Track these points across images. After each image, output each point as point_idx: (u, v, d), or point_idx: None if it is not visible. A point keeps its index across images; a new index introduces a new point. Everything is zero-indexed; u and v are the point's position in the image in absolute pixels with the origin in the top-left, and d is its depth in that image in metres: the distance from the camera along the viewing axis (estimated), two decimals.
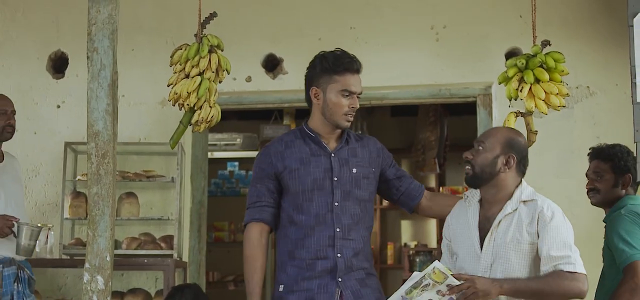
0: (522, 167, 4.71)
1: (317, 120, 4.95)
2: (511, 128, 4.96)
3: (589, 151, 5.55)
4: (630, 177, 5.36)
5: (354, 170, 4.93)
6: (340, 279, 4.80)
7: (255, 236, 4.91)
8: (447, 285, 4.42)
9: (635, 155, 5.38)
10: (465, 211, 4.80)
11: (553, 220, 4.52)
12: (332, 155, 4.92)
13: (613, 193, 5.38)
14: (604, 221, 5.39)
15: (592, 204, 5.50)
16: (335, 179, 4.87)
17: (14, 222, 5.87)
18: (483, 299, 4.39)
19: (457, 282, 4.40)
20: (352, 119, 4.94)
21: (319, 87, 4.92)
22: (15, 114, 6.10)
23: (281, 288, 4.88)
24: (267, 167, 4.94)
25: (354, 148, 5.00)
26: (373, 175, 5.03)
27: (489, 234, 4.60)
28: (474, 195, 4.79)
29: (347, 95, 4.86)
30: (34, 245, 5.93)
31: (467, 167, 4.71)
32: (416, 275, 4.49)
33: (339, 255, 4.81)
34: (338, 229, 4.83)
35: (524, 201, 4.63)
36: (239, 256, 9.48)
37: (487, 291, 4.39)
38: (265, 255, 4.95)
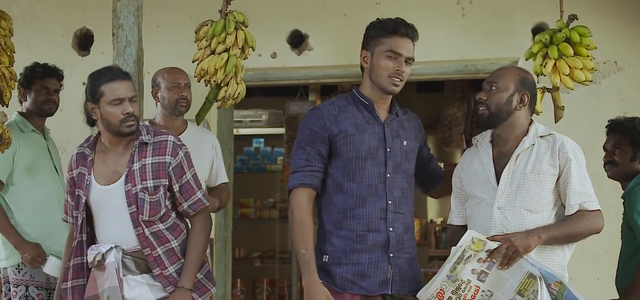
0: (533, 104, 4.80)
1: (367, 86, 4.84)
2: (519, 67, 4.96)
3: (607, 124, 5.52)
4: None
5: (405, 143, 4.85)
6: (391, 255, 4.73)
7: (305, 201, 4.71)
8: (486, 251, 4.44)
9: None
10: (476, 153, 4.87)
11: (576, 158, 4.66)
12: (385, 125, 4.82)
13: (631, 167, 5.37)
14: (622, 197, 5.37)
15: (609, 177, 5.49)
16: (388, 149, 4.77)
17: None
18: (525, 254, 4.44)
19: (495, 246, 4.42)
20: (399, 83, 4.77)
21: (368, 50, 4.83)
22: (189, 87, 5.89)
23: (326, 259, 4.74)
24: (320, 129, 4.74)
25: (402, 121, 4.93)
26: (416, 150, 4.99)
27: (507, 167, 4.68)
28: (485, 136, 4.87)
29: (392, 57, 4.74)
30: None
31: (481, 108, 4.73)
32: (455, 251, 4.49)
33: (391, 229, 4.73)
34: (390, 202, 4.74)
35: (542, 136, 4.72)
36: (265, 232, 9.43)
37: (526, 245, 4.47)
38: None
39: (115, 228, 4.78)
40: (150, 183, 4.70)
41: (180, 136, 5.83)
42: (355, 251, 4.70)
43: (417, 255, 4.91)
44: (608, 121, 5.53)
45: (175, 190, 4.77)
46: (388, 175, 4.75)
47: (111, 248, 4.71)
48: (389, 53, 4.75)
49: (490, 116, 4.71)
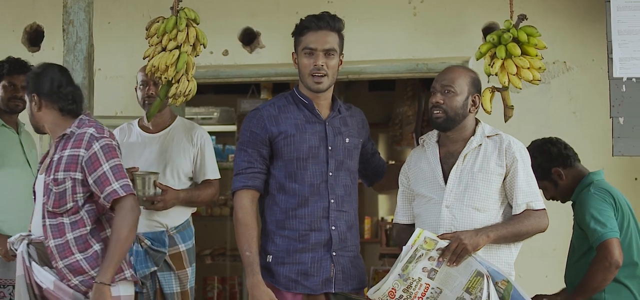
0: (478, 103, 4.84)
1: (302, 87, 4.84)
2: (467, 67, 4.99)
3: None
4: (558, 169, 5.38)
5: (347, 140, 4.85)
6: (334, 254, 4.74)
7: (248, 204, 4.72)
8: (437, 250, 4.47)
9: (611, 130, 5.39)
10: (422, 153, 4.90)
11: (522, 158, 4.72)
12: (326, 123, 4.81)
13: (563, 189, 5.44)
14: (571, 199, 5.42)
15: (563, 203, 5.52)
16: (330, 148, 4.78)
17: (133, 175, 5.69)
18: (473, 252, 4.48)
19: (445, 244, 4.45)
20: (322, 79, 4.73)
21: (295, 53, 4.84)
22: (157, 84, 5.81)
23: (269, 259, 4.75)
24: (260, 131, 4.74)
25: (344, 117, 4.92)
26: (360, 147, 4.99)
27: (455, 166, 4.71)
28: (431, 136, 4.91)
29: (308, 54, 4.73)
30: (153, 194, 5.68)
31: (437, 112, 4.72)
32: (406, 250, 4.50)
33: (333, 228, 4.74)
34: (332, 200, 4.76)
35: (489, 135, 4.77)
36: (216, 230, 9.40)
37: (475, 244, 4.52)
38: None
39: (35, 217, 4.85)
40: (60, 175, 4.70)
41: (165, 130, 5.85)
42: (298, 251, 4.72)
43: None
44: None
45: (90, 183, 4.71)
46: (330, 174, 4.77)
47: (23, 237, 4.78)
48: (305, 51, 4.75)
49: (446, 120, 4.72)
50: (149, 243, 5.78)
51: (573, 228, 5.41)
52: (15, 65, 6.11)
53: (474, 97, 4.78)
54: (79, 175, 4.70)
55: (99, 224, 4.82)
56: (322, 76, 4.74)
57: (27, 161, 6.13)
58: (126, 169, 5.70)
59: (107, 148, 4.74)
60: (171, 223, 5.87)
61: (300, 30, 4.79)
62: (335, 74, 4.82)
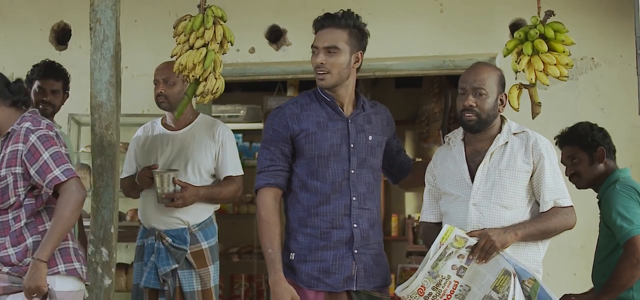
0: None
1: None
2: (492, 64, 4.98)
3: (555, 140, 5.53)
4: (603, 150, 5.36)
5: (370, 138, 4.83)
6: (355, 251, 4.73)
7: (271, 201, 4.72)
8: (467, 248, 4.47)
9: None
10: (448, 151, 4.89)
11: (549, 155, 4.71)
12: (349, 120, 4.80)
13: (593, 171, 5.39)
14: (597, 197, 5.40)
15: (578, 188, 5.50)
16: (352, 145, 4.76)
17: (152, 172, 5.77)
18: (501, 250, 4.48)
19: (475, 242, 4.46)
20: (325, 76, 4.73)
21: None
22: (171, 83, 5.92)
23: (292, 256, 4.74)
24: (283, 129, 4.74)
25: (368, 115, 4.90)
26: (384, 144, 4.98)
27: (482, 164, 4.70)
28: (456, 134, 4.90)
29: (313, 53, 4.77)
30: (172, 191, 5.72)
31: (468, 114, 4.69)
32: (435, 248, 4.49)
33: (355, 225, 4.72)
34: (354, 198, 4.73)
35: (515, 133, 4.77)
36: (243, 228, 9.42)
37: (503, 241, 4.51)
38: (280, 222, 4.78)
39: None
40: (2, 172, 4.73)
41: (186, 127, 5.86)
42: (320, 248, 4.71)
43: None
44: (555, 138, 5.54)
45: (32, 174, 4.70)
46: (352, 172, 4.75)
47: None
48: (312, 50, 4.78)
49: (479, 122, 4.71)
50: (170, 240, 5.80)
51: (599, 226, 5.38)
52: (47, 69, 6.16)
53: (502, 96, 4.77)
54: (19, 170, 4.71)
55: (38, 217, 4.81)
56: (325, 72, 4.74)
57: None
58: (146, 166, 5.75)
59: (44, 138, 4.72)
60: (193, 220, 5.88)
61: (314, 30, 4.83)
62: (342, 72, 4.77)
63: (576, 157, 5.40)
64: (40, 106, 6.03)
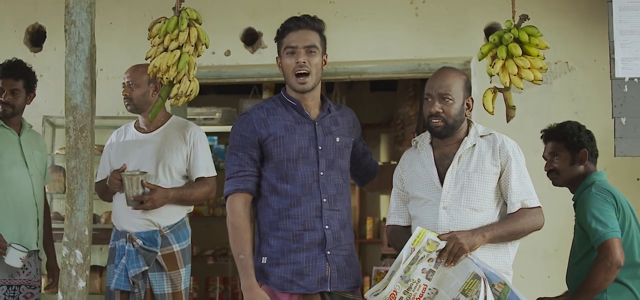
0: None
1: (289, 89, 4.88)
2: (457, 69, 5.00)
3: (541, 134, 5.57)
4: (586, 152, 5.39)
5: (337, 140, 4.86)
6: (328, 253, 4.74)
7: (241, 207, 4.73)
8: (437, 251, 4.48)
9: (613, 130, 5.40)
10: (416, 155, 4.92)
11: (516, 157, 4.74)
12: (316, 123, 4.83)
13: (572, 171, 5.43)
14: (573, 199, 5.43)
15: (554, 184, 5.53)
16: (320, 147, 4.78)
17: (121, 175, 5.77)
18: (470, 252, 4.50)
19: (444, 245, 4.47)
20: (306, 78, 4.76)
21: (279, 56, 4.88)
22: (135, 85, 5.98)
23: (264, 260, 4.75)
24: (250, 134, 4.78)
25: (334, 117, 4.93)
26: (351, 146, 5.00)
27: (451, 168, 4.73)
28: (424, 138, 4.93)
29: (290, 53, 4.77)
30: (141, 193, 5.72)
31: (435, 120, 4.72)
32: (407, 252, 4.49)
33: (327, 227, 4.74)
34: (325, 199, 4.75)
35: (482, 135, 4.80)
36: (218, 230, 9.39)
37: (472, 244, 4.53)
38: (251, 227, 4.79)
39: None
40: None
41: (158, 129, 5.89)
42: (293, 251, 4.72)
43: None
44: (541, 131, 5.58)
45: None
46: (321, 173, 4.77)
47: None
48: (287, 50, 4.79)
49: (446, 128, 4.74)
50: (140, 242, 5.80)
51: (574, 229, 5.41)
52: (6, 69, 6.20)
53: (468, 100, 4.81)
54: None
55: None
56: (305, 75, 4.76)
57: (25, 162, 6.14)
58: (114, 169, 5.75)
59: None
60: (164, 222, 5.87)
61: (281, 32, 4.85)
62: (319, 73, 4.84)
63: (558, 154, 5.43)
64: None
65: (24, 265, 6.00)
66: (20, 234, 6.03)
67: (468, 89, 4.82)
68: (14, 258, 5.87)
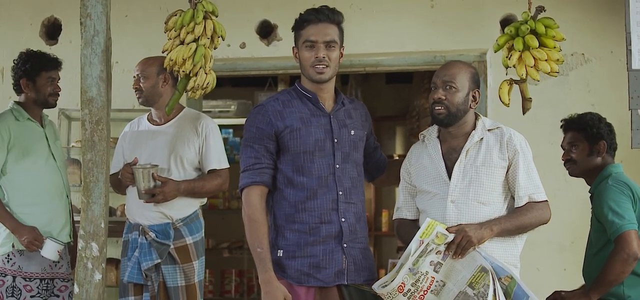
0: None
1: (304, 81, 4.89)
2: (466, 62, 5.01)
3: (561, 123, 5.57)
4: (605, 143, 5.39)
5: (352, 133, 4.87)
6: (345, 245, 4.74)
7: (257, 200, 4.73)
8: (445, 244, 4.48)
9: (630, 122, 5.38)
10: (424, 149, 4.93)
11: (523, 150, 4.76)
12: (331, 116, 4.83)
13: (589, 162, 5.42)
14: (589, 192, 5.42)
15: (571, 175, 5.53)
16: (336, 140, 4.79)
17: (132, 169, 5.80)
18: (478, 245, 4.52)
19: (452, 237, 4.48)
20: (325, 70, 4.78)
21: (296, 46, 4.88)
22: (144, 77, 5.99)
23: (280, 253, 4.75)
24: (266, 126, 4.77)
25: (348, 110, 4.94)
26: (364, 139, 5.00)
27: (458, 162, 4.75)
28: (431, 132, 4.95)
29: (309, 46, 4.77)
30: (152, 187, 5.73)
31: (438, 107, 4.77)
32: (416, 245, 4.50)
33: (343, 219, 4.75)
34: (340, 192, 4.76)
35: (490, 129, 4.82)
36: (234, 223, 9.40)
37: (480, 237, 4.56)
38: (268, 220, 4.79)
39: None
40: None
41: (171, 121, 5.92)
42: (309, 244, 4.73)
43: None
44: (562, 120, 5.58)
45: None
46: (337, 166, 4.78)
47: None
48: (306, 43, 4.79)
49: (448, 116, 4.77)
50: (153, 235, 5.81)
51: (591, 221, 5.40)
52: (53, 61, 6.23)
53: (474, 93, 4.83)
54: None
55: None
56: (324, 67, 4.77)
57: (52, 154, 6.16)
58: (126, 163, 5.77)
59: None
60: (177, 215, 5.88)
61: (300, 24, 4.85)
62: (337, 66, 4.86)
63: (577, 144, 5.43)
64: (52, 98, 6.16)
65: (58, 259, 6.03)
66: (55, 227, 6.05)
67: (475, 81, 4.83)
68: (51, 251, 5.89)
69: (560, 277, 6.41)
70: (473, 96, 4.81)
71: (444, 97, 4.74)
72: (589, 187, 5.45)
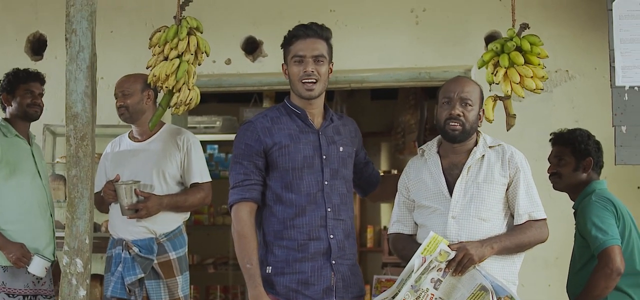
0: None
1: (294, 96, 4.87)
2: (471, 78, 5.03)
3: (550, 137, 5.60)
4: (591, 160, 5.43)
5: (341, 149, 4.86)
6: (333, 262, 4.73)
7: (246, 216, 4.71)
8: (446, 261, 4.49)
9: (614, 138, 5.40)
10: (423, 164, 4.92)
11: (524, 169, 4.78)
12: (320, 132, 4.82)
13: (575, 177, 5.45)
14: (573, 207, 5.44)
15: (555, 189, 5.57)
16: (324, 157, 4.78)
17: (114, 185, 5.78)
18: (479, 263, 4.52)
19: (454, 254, 4.49)
20: (313, 86, 4.76)
21: (285, 63, 4.87)
22: (128, 95, 5.95)
23: (269, 270, 4.73)
24: (255, 143, 4.75)
25: (337, 126, 4.93)
26: (353, 155, 5.00)
27: (460, 178, 4.74)
28: (431, 146, 4.94)
29: (297, 61, 4.76)
30: (136, 202, 5.72)
31: (454, 123, 4.75)
32: (420, 262, 4.49)
33: (331, 236, 4.73)
34: (329, 209, 4.74)
35: (491, 146, 4.83)
36: (219, 239, 9.37)
37: (481, 255, 4.55)
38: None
39: None
40: None
41: (152, 137, 5.93)
42: (298, 260, 4.71)
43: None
44: (550, 134, 5.61)
45: None
46: (326, 183, 4.77)
47: None
48: (294, 58, 4.78)
49: (463, 133, 4.78)
50: (136, 250, 5.80)
51: (575, 237, 5.42)
52: (31, 74, 6.23)
53: (481, 111, 4.87)
54: None
55: None
56: (313, 82, 4.76)
57: (38, 172, 6.15)
58: (108, 180, 5.77)
59: None
60: (160, 230, 5.87)
61: (289, 39, 4.84)
62: (326, 82, 4.84)
63: (564, 159, 5.45)
64: (30, 109, 6.16)
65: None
66: (39, 245, 6.04)
67: (482, 99, 4.87)
68: (39, 267, 5.91)
69: (545, 293, 6.43)
70: (479, 115, 4.84)
71: (461, 114, 4.75)
72: (573, 202, 5.48)
